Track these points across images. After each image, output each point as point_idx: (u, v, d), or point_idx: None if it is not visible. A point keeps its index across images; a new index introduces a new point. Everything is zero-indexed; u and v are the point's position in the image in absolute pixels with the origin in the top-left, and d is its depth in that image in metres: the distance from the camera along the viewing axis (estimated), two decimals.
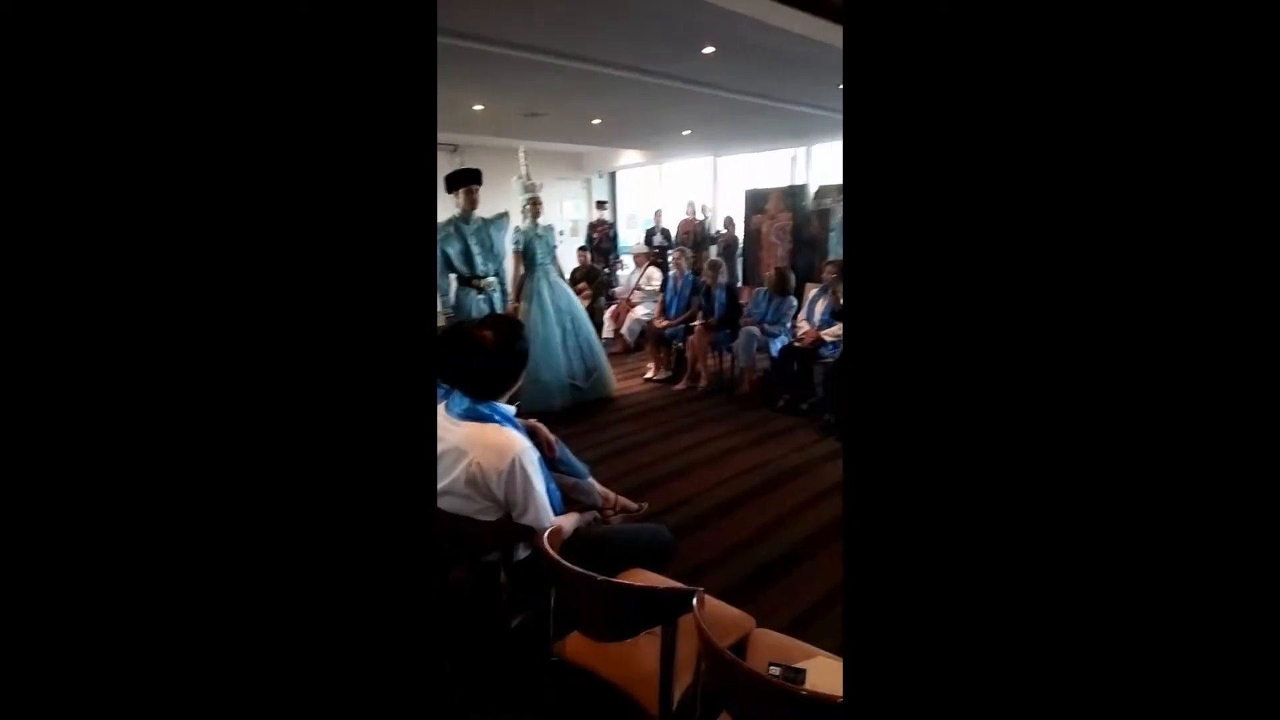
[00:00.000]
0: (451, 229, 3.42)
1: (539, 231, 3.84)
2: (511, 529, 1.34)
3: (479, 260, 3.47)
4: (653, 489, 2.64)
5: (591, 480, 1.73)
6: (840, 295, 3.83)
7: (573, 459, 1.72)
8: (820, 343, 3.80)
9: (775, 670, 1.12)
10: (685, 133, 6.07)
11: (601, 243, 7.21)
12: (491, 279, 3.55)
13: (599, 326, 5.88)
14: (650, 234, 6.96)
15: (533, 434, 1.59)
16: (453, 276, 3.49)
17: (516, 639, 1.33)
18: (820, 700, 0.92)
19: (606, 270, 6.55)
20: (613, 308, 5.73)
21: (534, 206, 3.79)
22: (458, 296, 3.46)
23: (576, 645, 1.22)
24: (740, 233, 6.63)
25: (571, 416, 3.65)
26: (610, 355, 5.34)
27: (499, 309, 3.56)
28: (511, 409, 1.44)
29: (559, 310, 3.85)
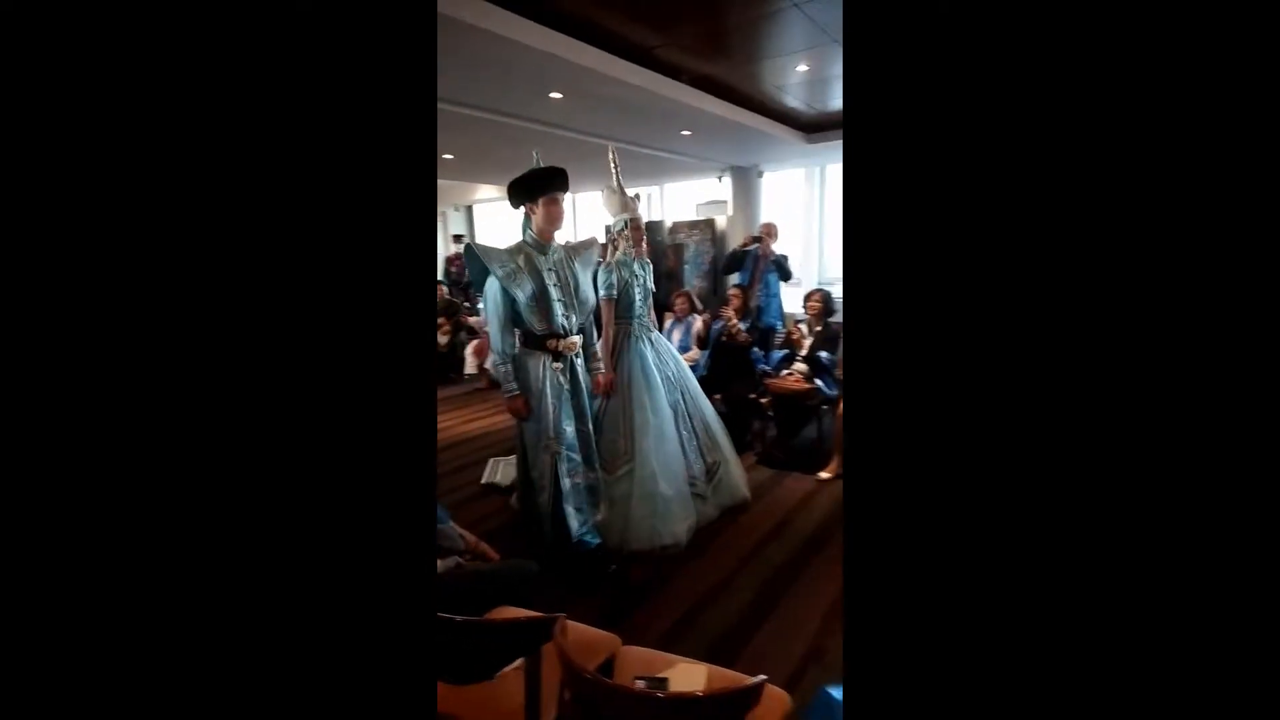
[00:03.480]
0: (520, 261, 2.10)
1: (636, 269, 2.54)
2: None
3: (558, 310, 2.12)
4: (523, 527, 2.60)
5: (452, 524, 1.69)
6: (702, 320, 4.10)
7: None
8: None
9: (640, 684, 1.17)
10: None
11: (460, 276, 7.04)
12: (575, 339, 2.20)
13: (460, 363, 5.67)
14: None
15: None
16: (517, 332, 2.18)
17: None
18: (680, 699, 0.99)
19: (466, 304, 6.39)
20: (474, 343, 5.58)
21: (636, 232, 2.53)
22: (521, 363, 2.14)
23: (439, 694, 1.17)
24: None
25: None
26: (475, 391, 5.19)
27: (585, 383, 2.27)
28: None
29: (669, 382, 2.55)
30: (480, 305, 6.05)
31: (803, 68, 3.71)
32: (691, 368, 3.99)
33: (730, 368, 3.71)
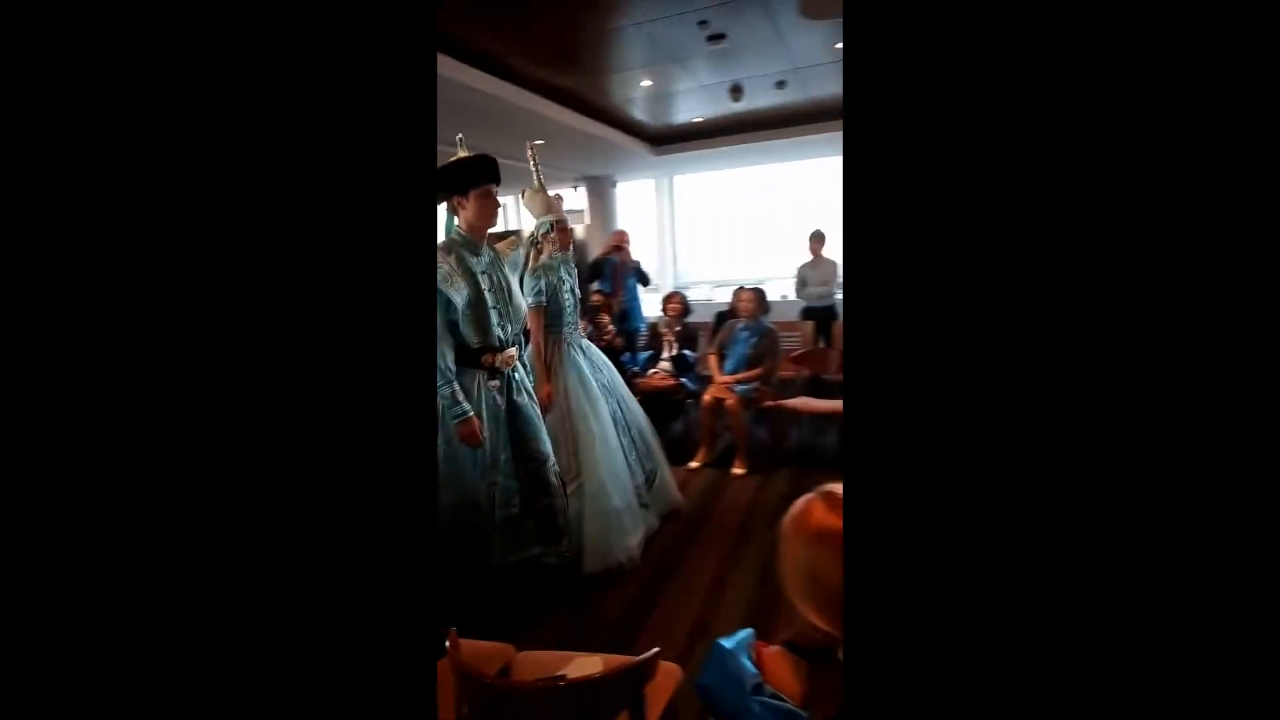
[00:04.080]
0: (452, 262, 1.79)
1: (563, 273, 2.38)
2: None
3: (494, 319, 1.85)
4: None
5: None
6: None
7: None
8: None
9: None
10: None
11: None
12: (511, 351, 1.93)
13: None
14: None
15: None
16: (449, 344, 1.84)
17: None
18: (580, 683, 1.01)
19: None
20: None
21: (562, 235, 2.36)
22: (461, 382, 1.81)
23: None
24: None
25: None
26: None
27: (526, 401, 2.00)
28: None
29: (605, 390, 2.42)
30: None
31: (646, 83, 3.92)
32: None
33: None
